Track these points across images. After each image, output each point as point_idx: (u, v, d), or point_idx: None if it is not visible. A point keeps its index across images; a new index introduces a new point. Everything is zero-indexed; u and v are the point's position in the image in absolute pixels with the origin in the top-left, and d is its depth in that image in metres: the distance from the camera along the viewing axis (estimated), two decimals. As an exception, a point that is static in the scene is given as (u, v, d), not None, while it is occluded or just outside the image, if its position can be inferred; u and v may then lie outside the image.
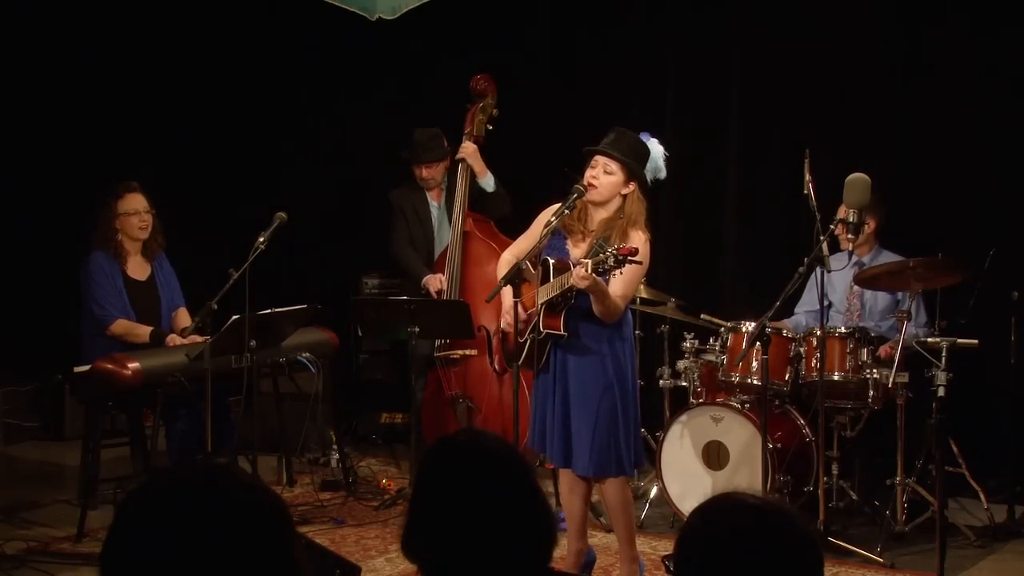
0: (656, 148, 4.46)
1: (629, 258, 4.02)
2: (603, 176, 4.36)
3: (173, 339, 5.58)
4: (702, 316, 5.84)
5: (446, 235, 6.44)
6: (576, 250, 4.41)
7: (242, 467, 5.50)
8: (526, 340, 4.50)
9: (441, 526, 1.95)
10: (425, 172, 6.46)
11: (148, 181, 5.88)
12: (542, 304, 4.39)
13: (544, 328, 4.40)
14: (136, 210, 5.68)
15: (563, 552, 4.55)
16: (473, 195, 6.37)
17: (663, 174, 4.48)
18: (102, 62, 7.25)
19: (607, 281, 4.22)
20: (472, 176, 6.34)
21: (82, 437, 5.75)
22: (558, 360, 4.44)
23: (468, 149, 6.33)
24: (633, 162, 4.35)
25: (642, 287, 5.54)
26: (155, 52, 7.39)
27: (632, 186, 4.36)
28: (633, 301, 4.63)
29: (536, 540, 1.98)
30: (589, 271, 4.07)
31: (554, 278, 4.33)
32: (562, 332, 4.36)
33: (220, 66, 7.52)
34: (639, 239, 4.30)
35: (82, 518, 5.22)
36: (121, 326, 5.62)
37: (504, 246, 6.11)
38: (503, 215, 6.37)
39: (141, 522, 1.42)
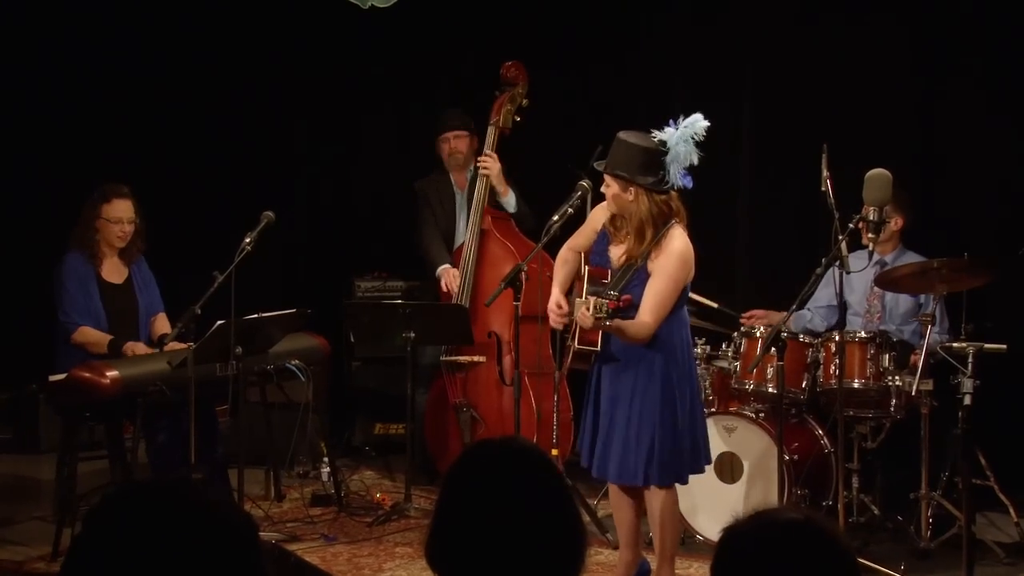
0: (678, 133, 4.46)
1: (620, 310, 4.18)
2: (606, 191, 4.56)
3: (131, 348, 5.53)
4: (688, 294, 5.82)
5: (463, 228, 6.40)
6: (615, 252, 4.56)
7: (225, 482, 5.54)
8: (568, 346, 4.66)
9: (470, 532, 1.95)
10: (453, 142, 6.46)
11: (127, 179, 5.84)
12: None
13: (579, 344, 4.54)
14: (120, 219, 5.66)
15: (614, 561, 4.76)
16: (493, 198, 6.36)
17: (695, 157, 4.47)
18: (82, 54, 7.22)
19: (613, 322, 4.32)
20: (492, 191, 6.34)
21: (58, 450, 5.72)
22: (600, 365, 4.59)
23: (493, 169, 6.28)
24: (623, 170, 4.47)
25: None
26: (138, 42, 7.36)
27: (632, 191, 4.46)
28: (683, 301, 4.64)
29: (567, 550, 1.99)
30: (591, 316, 4.19)
31: (588, 285, 4.53)
32: (595, 349, 4.51)
33: (205, 59, 7.48)
34: (672, 247, 4.44)
35: (58, 536, 5.17)
36: (82, 335, 5.57)
37: (522, 247, 6.14)
38: (525, 231, 6.38)
39: (100, 539, 1.41)
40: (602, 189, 4.59)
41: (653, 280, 4.44)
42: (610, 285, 4.41)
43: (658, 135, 4.48)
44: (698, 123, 4.47)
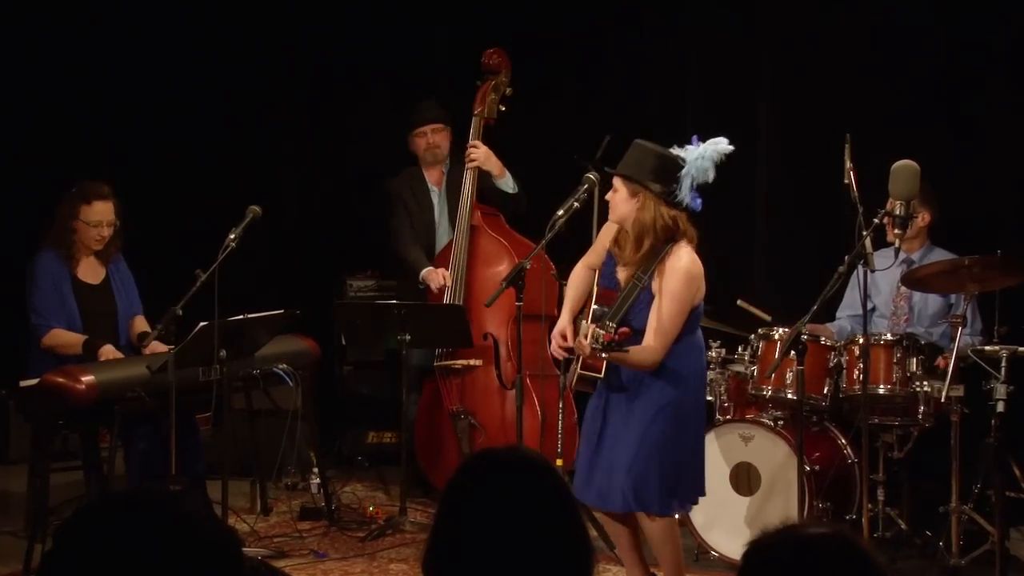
0: (699, 150, 4.46)
1: (616, 344, 4.14)
2: (611, 196, 4.55)
3: (106, 352, 5.51)
4: (739, 303, 5.81)
5: (446, 228, 6.39)
6: (622, 274, 4.54)
7: (208, 494, 5.53)
8: (575, 360, 4.62)
9: (471, 547, 1.95)
10: (430, 137, 6.45)
11: (104, 172, 5.83)
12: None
13: (582, 369, 4.52)
14: (100, 222, 5.64)
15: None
16: (484, 191, 6.33)
17: (711, 175, 4.46)
18: (51, 39, 7.20)
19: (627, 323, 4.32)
20: (483, 176, 6.33)
21: (29, 460, 5.73)
22: (606, 392, 4.56)
23: (480, 154, 6.29)
24: (634, 174, 4.46)
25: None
26: (118, 31, 7.36)
27: (640, 199, 4.44)
28: (695, 324, 4.61)
29: (574, 567, 2.00)
30: (588, 347, 4.19)
31: (595, 307, 4.54)
32: (599, 376, 4.49)
33: (188, 48, 7.48)
34: (677, 266, 4.40)
35: (29, 552, 5.12)
36: (54, 337, 5.56)
37: (517, 244, 6.18)
38: (517, 215, 6.39)
39: (72, 556, 1.40)
40: (607, 196, 4.57)
41: (658, 302, 4.40)
42: (610, 314, 4.38)
43: (678, 151, 4.48)
44: (721, 144, 4.46)
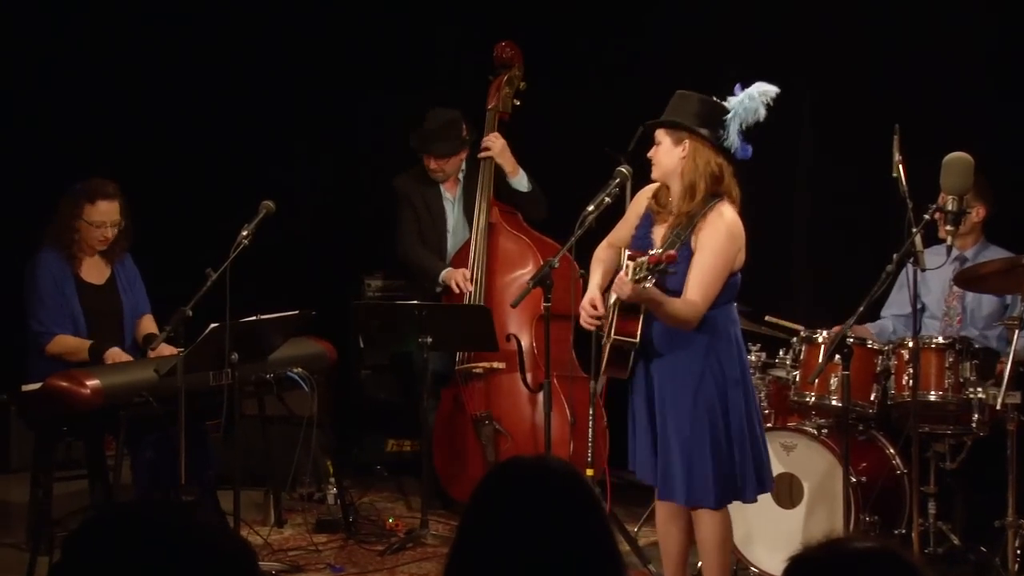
0: (744, 93, 4.50)
1: (661, 267, 4.10)
2: (653, 152, 4.54)
3: (113, 355, 5.52)
4: (767, 319, 5.77)
5: (462, 233, 6.39)
6: (658, 233, 4.54)
7: (220, 505, 5.53)
8: (604, 346, 4.61)
9: (494, 563, 1.95)
10: (435, 164, 6.43)
11: (108, 168, 5.83)
12: (614, 305, 4.46)
13: (616, 334, 4.45)
14: (103, 223, 5.65)
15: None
16: (501, 190, 6.32)
17: (761, 113, 4.50)
18: (54, 33, 7.24)
19: (663, 286, 4.25)
20: (500, 173, 6.29)
21: (31, 469, 5.73)
22: (643, 371, 4.53)
23: (496, 146, 6.29)
24: (678, 119, 4.47)
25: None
26: (130, 31, 7.38)
27: (686, 146, 4.45)
28: (731, 295, 4.61)
29: None
30: (629, 277, 4.15)
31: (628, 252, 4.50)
32: (634, 341, 4.41)
33: (196, 40, 7.51)
34: (719, 222, 4.39)
35: (31, 565, 5.14)
36: (58, 344, 5.57)
37: (538, 241, 6.16)
38: (538, 219, 6.38)
39: (80, 569, 1.40)
40: (649, 154, 4.55)
41: (699, 256, 4.39)
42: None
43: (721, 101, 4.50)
44: (767, 87, 4.48)
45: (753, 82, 4.50)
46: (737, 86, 4.51)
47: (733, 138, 4.45)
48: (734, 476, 4.48)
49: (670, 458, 4.47)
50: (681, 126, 4.45)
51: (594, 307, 4.59)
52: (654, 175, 4.55)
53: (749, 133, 4.50)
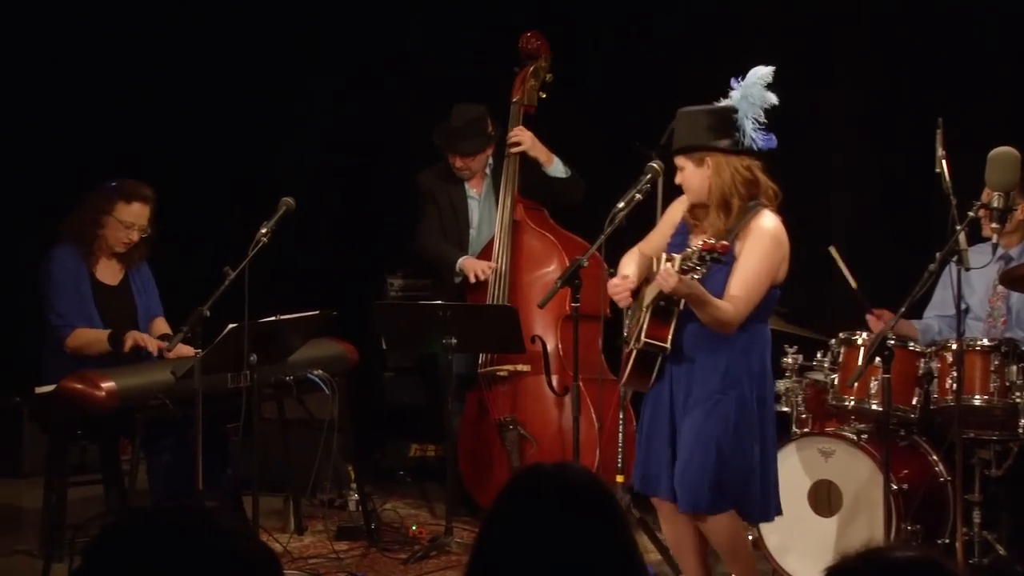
0: (741, 89, 4.49)
1: (715, 255, 4.09)
2: (680, 179, 4.56)
3: (135, 336, 5.54)
4: (831, 249, 5.71)
5: (487, 231, 6.39)
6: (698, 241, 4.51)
7: (239, 511, 5.55)
8: (628, 353, 4.60)
9: (514, 570, 1.96)
10: (460, 162, 6.44)
11: (130, 168, 5.86)
12: (647, 307, 4.45)
13: (647, 337, 4.45)
14: (133, 224, 5.71)
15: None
16: (533, 183, 6.30)
17: (769, 97, 4.49)
18: (64, 28, 7.29)
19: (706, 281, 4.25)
20: (524, 163, 6.31)
21: (44, 474, 5.75)
22: (667, 382, 4.52)
23: (526, 139, 6.28)
24: (693, 141, 4.49)
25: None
26: (141, 31, 7.42)
27: (709, 163, 4.47)
28: (767, 312, 4.61)
29: None
30: (676, 267, 4.13)
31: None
32: (665, 346, 4.41)
33: (213, 39, 7.55)
34: (763, 228, 4.40)
35: (45, 573, 5.18)
36: (78, 337, 5.61)
37: (564, 239, 6.16)
38: (576, 202, 6.36)
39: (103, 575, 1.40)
40: (676, 180, 4.56)
41: (743, 259, 4.39)
42: None
43: (723, 102, 4.49)
44: (762, 69, 4.48)
45: (747, 73, 4.50)
46: (733, 80, 4.49)
47: (751, 134, 4.43)
48: (731, 488, 4.46)
49: (679, 457, 4.50)
50: (696, 147, 4.46)
51: (625, 277, 4.59)
52: (690, 199, 4.56)
53: (768, 121, 4.48)
